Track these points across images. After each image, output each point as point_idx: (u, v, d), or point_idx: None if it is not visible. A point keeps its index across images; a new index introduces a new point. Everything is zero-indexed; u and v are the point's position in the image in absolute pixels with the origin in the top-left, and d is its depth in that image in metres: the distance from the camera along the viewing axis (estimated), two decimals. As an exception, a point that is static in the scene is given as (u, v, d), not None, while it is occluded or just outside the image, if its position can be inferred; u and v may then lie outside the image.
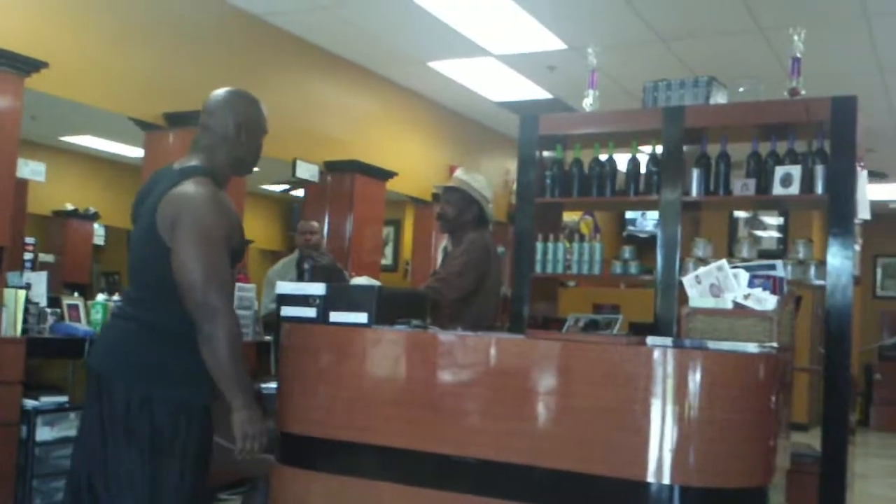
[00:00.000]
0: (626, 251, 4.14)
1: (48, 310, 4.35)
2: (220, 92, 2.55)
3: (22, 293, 4.11)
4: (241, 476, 3.54)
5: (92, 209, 8.63)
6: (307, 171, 6.31)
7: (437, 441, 2.37)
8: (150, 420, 2.35)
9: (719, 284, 2.60)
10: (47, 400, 4.13)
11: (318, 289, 2.60)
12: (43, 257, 7.86)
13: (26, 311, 4.12)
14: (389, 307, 2.59)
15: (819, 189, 3.61)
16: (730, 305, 2.61)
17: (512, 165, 8.10)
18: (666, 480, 2.10)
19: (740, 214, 10.41)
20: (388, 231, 9.22)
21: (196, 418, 2.41)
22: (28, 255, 6.01)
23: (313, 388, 2.56)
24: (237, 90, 2.58)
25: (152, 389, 2.37)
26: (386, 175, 6.94)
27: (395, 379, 2.47)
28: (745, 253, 3.87)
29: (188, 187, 2.37)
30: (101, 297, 4.98)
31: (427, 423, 2.39)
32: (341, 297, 2.58)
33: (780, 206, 5.84)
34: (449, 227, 3.85)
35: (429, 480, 2.37)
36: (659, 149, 3.95)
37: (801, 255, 3.73)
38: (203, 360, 2.38)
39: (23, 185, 5.60)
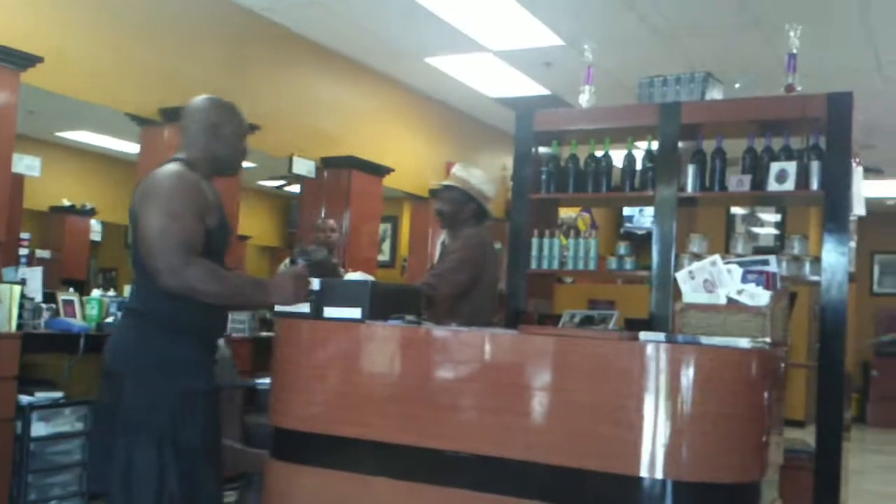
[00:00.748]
0: (622, 247, 4.14)
1: (43, 305, 4.34)
2: (198, 98, 2.68)
3: (17, 288, 4.10)
4: (236, 472, 3.54)
5: (89, 205, 8.61)
6: (303, 166, 6.30)
7: (432, 436, 2.37)
8: (151, 409, 2.38)
9: (713, 280, 2.60)
10: (42, 395, 4.12)
11: (311, 284, 2.59)
12: (40, 253, 7.84)
13: (21, 306, 4.11)
14: (383, 302, 2.59)
15: (814, 185, 3.61)
16: (723, 301, 2.61)
17: (509, 161, 8.06)
18: (659, 475, 2.10)
19: (737, 211, 10.40)
20: (385, 227, 9.21)
21: (199, 405, 2.44)
22: (23, 251, 6.01)
23: (307, 384, 2.56)
24: (213, 97, 2.69)
25: (152, 378, 2.40)
26: (382, 171, 6.93)
27: (388, 374, 2.47)
28: (740, 249, 3.88)
29: (158, 170, 2.52)
30: (96, 292, 4.98)
31: (421, 418, 2.39)
32: (335, 292, 2.58)
33: (775, 202, 5.84)
34: (447, 225, 3.85)
35: (423, 476, 2.38)
36: (655, 145, 3.95)
37: (796, 251, 3.74)
38: (201, 346, 2.48)
39: (19, 180, 5.59)
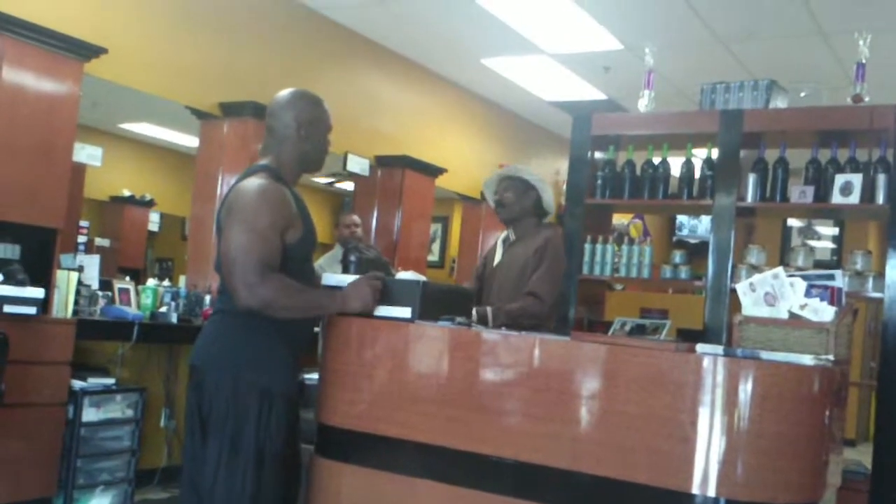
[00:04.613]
0: (677, 255, 4.07)
1: (99, 292, 4.43)
2: (282, 94, 2.62)
3: (74, 275, 4.18)
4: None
5: (148, 196, 8.77)
6: (358, 164, 6.32)
7: (477, 440, 2.34)
8: (230, 406, 2.38)
9: (774, 293, 2.52)
10: (94, 381, 4.20)
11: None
12: (99, 242, 8.01)
13: (78, 293, 4.19)
14: (434, 303, 2.57)
15: (880, 199, 3.50)
16: (785, 315, 2.53)
17: (562, 166, 8.00)
18: (711, 493, 2.04)
19: (794, 223, 10.17)
20: (435, 228, 9.21)
21: (277, 406, 2.43)
22: (82, 238, 6.12)
23: (354, 382, 2.55)
24: (298, 90, 2.63)
25: (232, 375, 2.40)
26: (435, 171, 6.92)
27: (436, 375, 2.45)
28: (800, 262, 3.77)
29: (245, 182, 2.47)
30: (151, 281, 5.05)
31: (467, 421, 2.36)
32: (386, 290, 2.56)
33: (837, 215, 5.67)
34: (509, 215, 3.80)
35: (466, 480, 2.35)
36: (714, 152, 3.87)
37: (858, 266, 3.63)
38: (286, 348, 2.47)
39: (80, 169, 5.70)
